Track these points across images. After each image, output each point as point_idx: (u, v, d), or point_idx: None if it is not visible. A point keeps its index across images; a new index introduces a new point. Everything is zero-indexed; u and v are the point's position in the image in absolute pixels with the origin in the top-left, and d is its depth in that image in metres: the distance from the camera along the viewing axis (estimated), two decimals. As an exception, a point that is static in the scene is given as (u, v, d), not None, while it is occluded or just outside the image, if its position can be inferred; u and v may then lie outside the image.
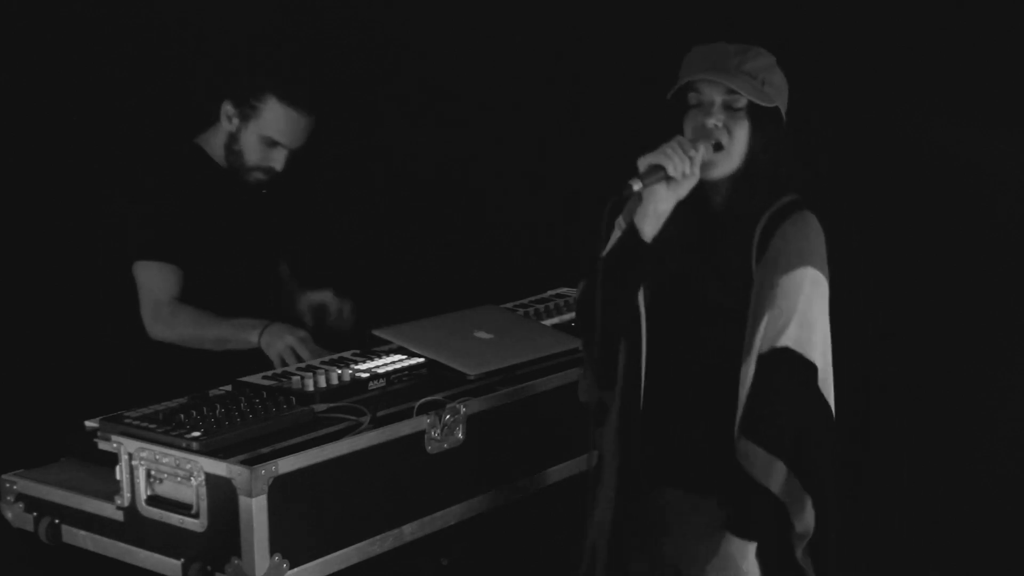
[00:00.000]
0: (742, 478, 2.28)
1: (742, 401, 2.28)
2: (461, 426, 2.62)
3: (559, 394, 2.85)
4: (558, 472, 2.87)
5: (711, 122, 2.33)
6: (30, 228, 3.77)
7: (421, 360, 2.80)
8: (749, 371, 2.28)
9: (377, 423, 2.50)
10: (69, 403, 2.89)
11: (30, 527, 2.57)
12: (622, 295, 2.36)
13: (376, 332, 2.94)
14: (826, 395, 2.32)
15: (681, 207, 2.31)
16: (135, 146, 3.57)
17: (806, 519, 2.29)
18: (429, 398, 2.60)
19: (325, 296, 3.34)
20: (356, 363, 2.78)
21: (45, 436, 2.81)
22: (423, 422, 2.54)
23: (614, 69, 3.73)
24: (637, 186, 2.25)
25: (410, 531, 2.54)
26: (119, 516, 2.42)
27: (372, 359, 2.81)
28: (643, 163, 2.27)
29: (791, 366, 2.28)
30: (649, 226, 2.30)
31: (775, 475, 2.26)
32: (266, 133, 3.15)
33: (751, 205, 2.34)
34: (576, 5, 3.79)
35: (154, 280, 3.10)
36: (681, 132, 2.35)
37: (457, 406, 2.61)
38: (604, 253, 2.34)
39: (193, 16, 4.04)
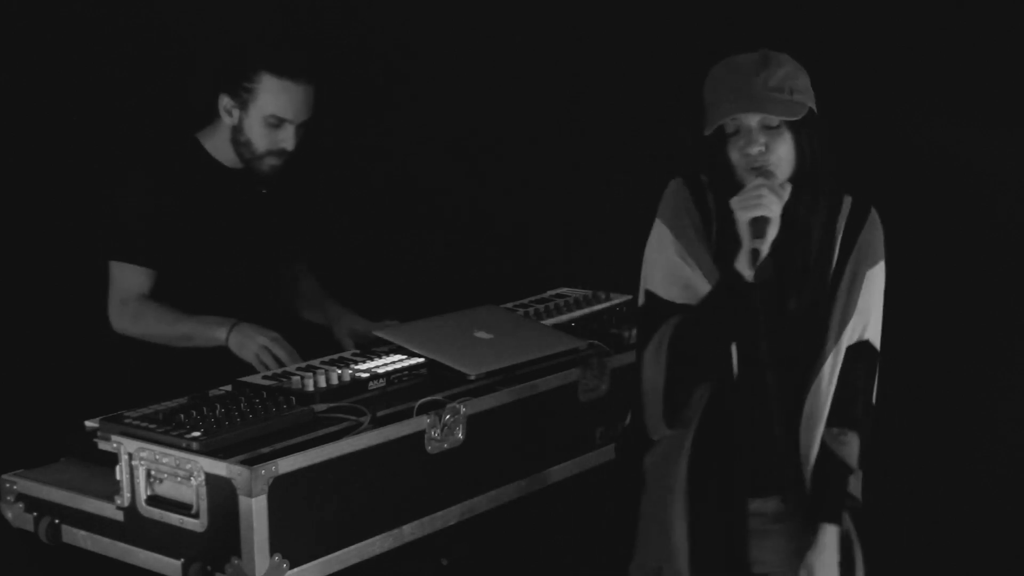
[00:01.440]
0: (832, 466, 2.41)
1: (826, 393, 2.39)
2: (461, 426, 2.62)
3: (559, 394, 2.85)
4: (558, 472, 2.88)
5: (755, 149, 2.34)
6: (30, 228, 3.77)
7: (421, 360, 2.80)
8: (835, 363, 2.40)
9: (377, 423, 2.50)
10: (69, 403, 2.89)
11: (30, 527, 2.57)
12: (726, 337, 2.39)
13: (376, 332, 2.94)
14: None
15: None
16: (132, 144, 3.56)
17: (859, 485, 2.46)
18: (429, 398, 2.60)
19: (365, 325, 3.22)
20: (356, 363, 2.78)
21: (45, 436, 2.81)
22: (423, 422, 2.54)
23: (614, 68, 3.73)
24: (765, 248, 2.27)
25: (410, 531, 2.54)
26: (119, 516, 2.42)
27: (372, 359, 2.81)
28: (743, 218, 2.29)
29: (871, 358, 2.44)
30: (750, 268, 2.32)
31: (857, 454, 2.43)
32: (267, 112, 3.10)
33: (817, 212, 2.41)
34: (577, 5, 3.79)
35: (125, 278, 3.12)
36: (724, 153, 2.37)
37: (457, 406, 2.61)
38: (705, 302, 2.36)
39: (193, 14, 4.03)
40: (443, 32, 4.08)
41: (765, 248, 2.27)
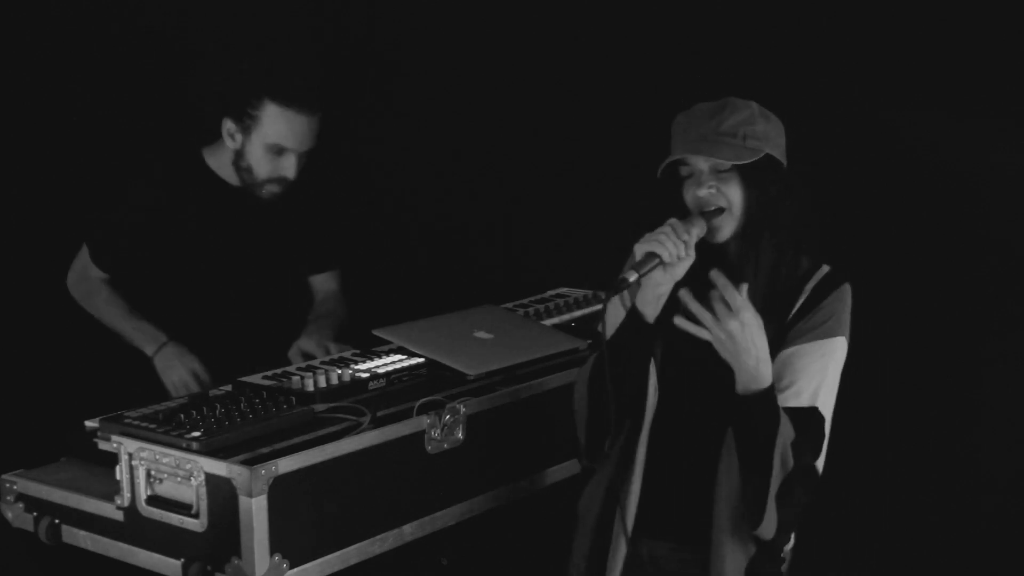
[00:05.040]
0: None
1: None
2: (461, 426, 2.62)
3: (559, 394, 2.84)
4: (558, 472, 2.88)
5: (703, 192, 2.37)
6: (30, 228, 3.77)
7: (421, 360, 2.80)
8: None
9: (377, 423, 2.50)
10: (69, 403, 2.89)
11: (30, 527, 2.57)
12: (630, 377, 2.38)
13: (376, 332, 2.94)
14: (825, 439, 2.38)
15: (688, 279, 2.32)
16: (136, 155, 3.55)
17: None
18: (429, 398, 2.60)
19: (317, 349, 3.15)
20: (356, 363, 2.78)
21: (45, 436, 2.81)
22: (423, 422, 2.54)
23: (614, 68, 3.73)
24: (632, 277, 2.27)
25: (410, 531, 2.54)
26: (119, 516, 2.42)
27: (372, 359, 2.81)
28: (639, 250, 2.30)
29: (818, 426, 2.32)
30: (650, 309, 2.33)
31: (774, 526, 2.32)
32: (270, 140, 3.08)
33: (761, 260, 2.37)
34: (577, 6, 3.79)
35: (89, 265, 3.24)
36: (679, 199, 2.40)
37: (457, 406, 2.61)
38: (608, 337, 2.36)
39: (202, 22, 4.02)
40: (444, 31, 4.08)
41: (632, 278, 2.26)
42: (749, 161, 2.34)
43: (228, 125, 3.12)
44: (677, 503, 2.42)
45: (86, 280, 3.23)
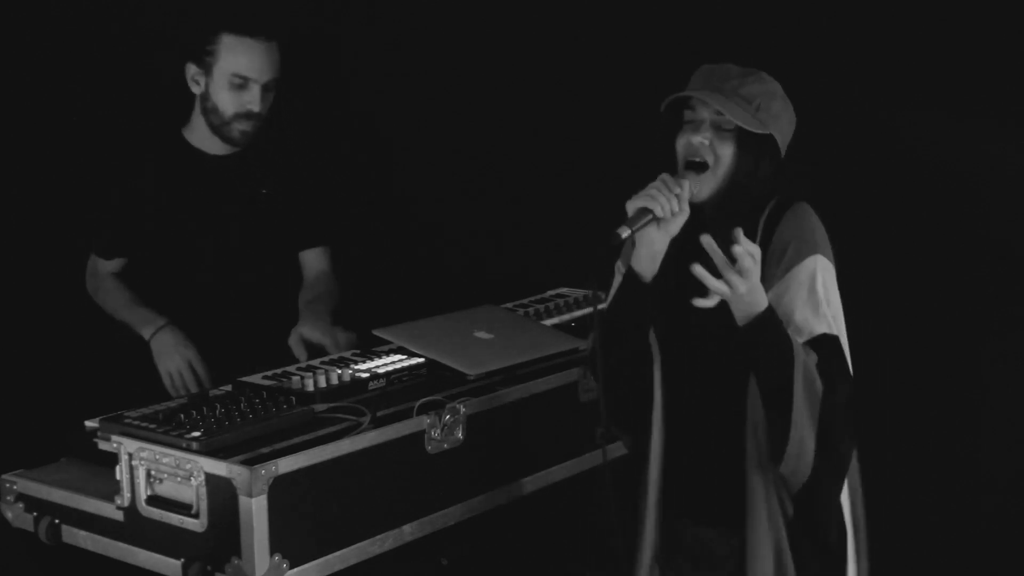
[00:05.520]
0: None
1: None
2: (461, 426, 2.62)
3: (559, 394, 2.85)
4: (558, 472, 2.87)
5: (697, 139, 2.34)
6: (30, 228, 3.77)
7: (421, 360, 2.80)
8: None
9: (377, 423, 2.50)
10: (69, 403, 2.89)
11: (30, 527, 2.57)
12: (632, 340, 2.35)
13: (376, 332, 2.94)
14: (847, 359, 2.34)
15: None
16: (117, 142, 3.55)
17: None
18: (429, 398, 2.60)
19: (323, 338, 3.15)
20: (356, 363, 2.78)
21: (45, 436, 2.81)
22: (423, 422, 2.54)
23: (614, 68, 3.73)
24: (625, 233, 2.24)
25: (410, 531, 2.54)
26: (119, 516, 2.42)
27: (372, 359, 2.81)
28: (631, 206, 2.27)
29: (832, 347, 2.28)
30: (647, 268, 2.31)
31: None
32: (230, 71, 3.07)
33: (734, 220, 2.30)
34: (577, 6, 3.79)
35: (98, 260, 3.33)
36: (673, 148, 2.37)
37: (457, 406, 2.61)
38: (607, 302, 2.33)
39: (180, 16, 4.01)
40: (443, 31, 4.08)
41: (625, 234, 2.23)
42: (751, 129, 2.32)
43: (191, 70, 3.12)
44: (705, 475, 2.39)
45: (95, 276, 3.31)
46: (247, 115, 3.12)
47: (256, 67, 3.09)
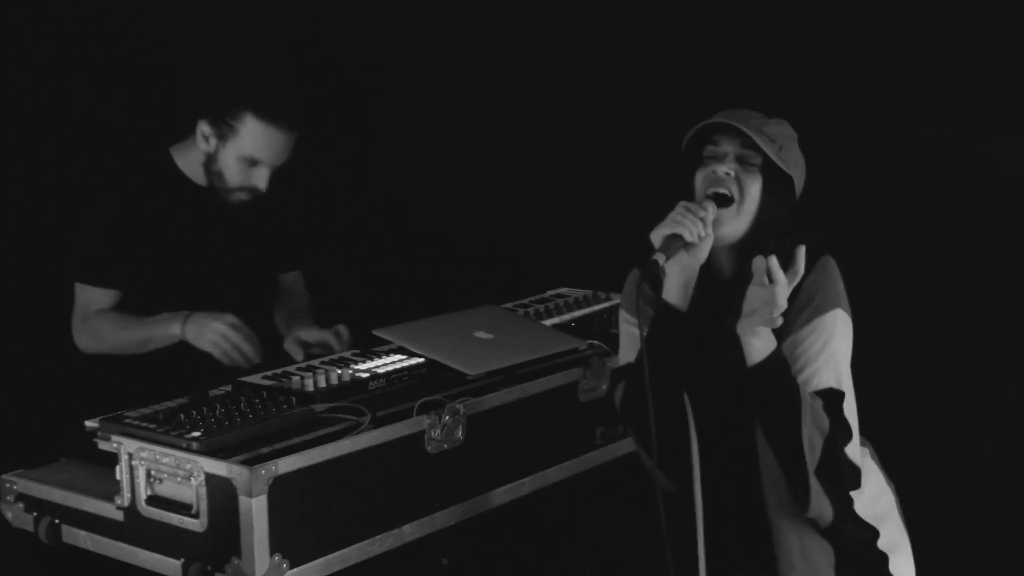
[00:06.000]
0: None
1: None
2: (461, 426, 2.62)
3: (559, 394, 2.85)
4: (558, 472, 2.87)
5: (723, 169, 2.30)
6: (30, 227, 3.77)
7: (421, 360, 2.80)
8: None
9: (377, 423, 2.50)
10: (69, 403, 2.89)
11: (30, 527, 2.57)
12: (673, 374, 2.30)
13: (376, 332, 2.93)
14: (850, 418, 2.33)
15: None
16: (105, 159, 3.50)
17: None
18: (429, 398, 2.60)
19: (323, 335, 3.11)
20: (356, 363, 2.78)
21: (45, 436, 2.81)
22: (423, 422, 2.54)
23: (614, 68, 3.73)
24: (663, 259, 2.20)
25: (410, 531, 2.54)
26: (119, 516, 2.42)
27: (372, 359, 2.81)
28: (657, 236, 2.24)
29: (835, 403, 2.28)
30: (680, 299, 2.28)
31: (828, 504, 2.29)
32: (245, 152, 3.03)
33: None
34: (577, 6, 3.79)
35: (87, 297, 3.10)
36: (690, 188, 2.35)
37: (457, 406, 2.61)
38: (645, 337, 2.27)
39: (175, 21, 4.00)
40: (442, 30, 4.08)
41: (662, 260, 2.20)
42: (778, 163, 2.30)
43: (203, 128, 3.06)
44: (734, 523, 2.36)
45: (86, 323, 3.11)
46: (251, 190, 3.10)
47: (273, 155, 3.05)
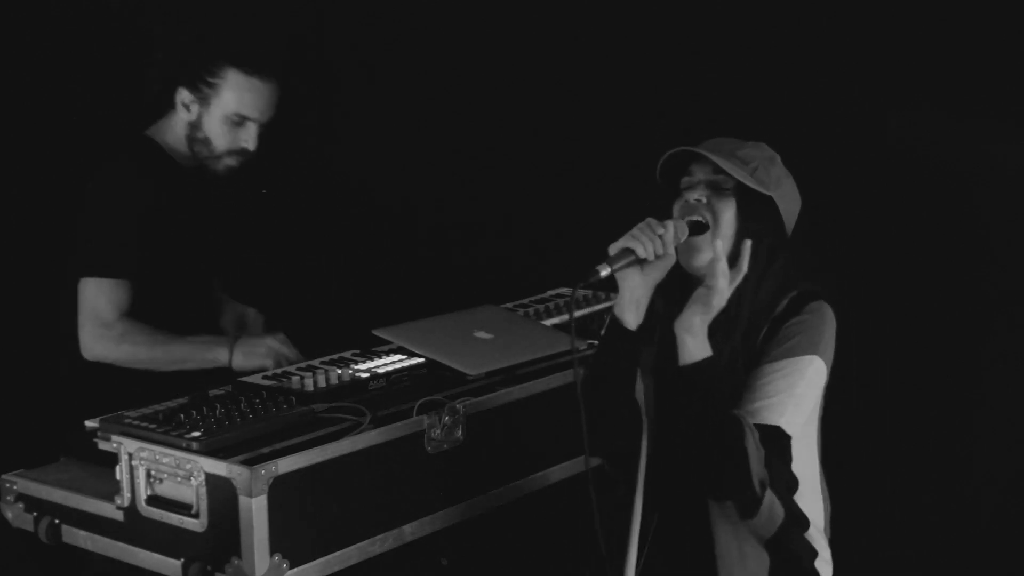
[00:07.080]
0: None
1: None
2: (461, 426, 2.62)
3: (559, 394, 2.85)
4: (558, 472, 2.87)
5: (693, 196, 2.32)
6: (30, 227, 3.77)
7: (421, 360, 2.80)
8: None
9: (377, 423, 2.50)
10: (69, 403, 2.89)
11: (30, 527, 2.57)
12: (616, 389, 2.31)
13: (376, 332, 2.93)
14: (803, 467, 2.33)
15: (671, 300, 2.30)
16: (90, 148, 3.43)
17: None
18: (429, 398, 2.60)
19: (247, 311, 3.11)
20: (356, 363, 2.78)
21: (45, 436, 2.81)
22: (423, 422, 2.54)
23: (614, 68, 3.73)
24: (605, 271, 2.21)
25: (410, 531, 2.54)
26: (119, 516, 2.43)
27: (372, 359, 2.81)
28: (613, 248, 2.25)
29: (781, 444, 2.26)
30: (630, 315, 2.28)
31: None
32: (230, 110, 2.92)
33: (756, 302, 2.29)
34: (577, 6, 3.79)
35: (101, 295, 2.90)
36: (669, 210, 2.36)
37: (457, 406, 2.61)
38: (596, 349, 2.32)
39: (175, 21, 3.98)
40: (442, 29, 4.08)
41: (604, 272, 2.21)
42: (748, 184, 2.29)
43: (183, 95, 2.94)
44: (675, 528, 2.38)
45: (110, 328, 2.90)
46: (240, 152, 2.99)
47: (260, 108, 2.95)
